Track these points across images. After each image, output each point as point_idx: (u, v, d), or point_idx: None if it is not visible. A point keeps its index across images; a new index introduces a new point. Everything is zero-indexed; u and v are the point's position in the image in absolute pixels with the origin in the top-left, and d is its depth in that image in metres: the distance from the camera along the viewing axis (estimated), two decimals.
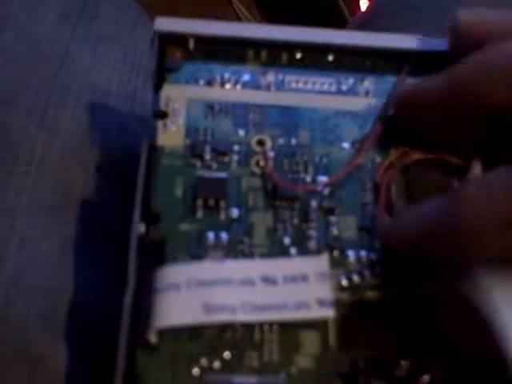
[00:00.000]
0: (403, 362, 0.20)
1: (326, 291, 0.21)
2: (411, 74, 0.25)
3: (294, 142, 0.24)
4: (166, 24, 0.25)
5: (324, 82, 0.25)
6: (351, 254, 0.22)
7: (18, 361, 0.23)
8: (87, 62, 0.31)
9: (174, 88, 0.24)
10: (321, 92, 0.25)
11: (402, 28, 0.28)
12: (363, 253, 0.22)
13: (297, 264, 0.21)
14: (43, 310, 0.24)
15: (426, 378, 0.20)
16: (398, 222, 0.22)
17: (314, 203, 0.23)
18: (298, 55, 0.26)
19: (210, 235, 0.22)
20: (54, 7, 0.32)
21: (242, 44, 0.25)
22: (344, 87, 0.25)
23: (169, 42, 0.25)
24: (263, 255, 0.22)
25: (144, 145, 0.23)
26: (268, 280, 0.21)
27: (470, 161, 0.23)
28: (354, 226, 0.23)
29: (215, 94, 0.25)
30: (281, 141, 0.24)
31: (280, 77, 0.25)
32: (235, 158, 0.23)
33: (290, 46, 0.25)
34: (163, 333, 0.20)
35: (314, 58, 0.26)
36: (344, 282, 0.22)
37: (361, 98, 0.25)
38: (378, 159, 0.24)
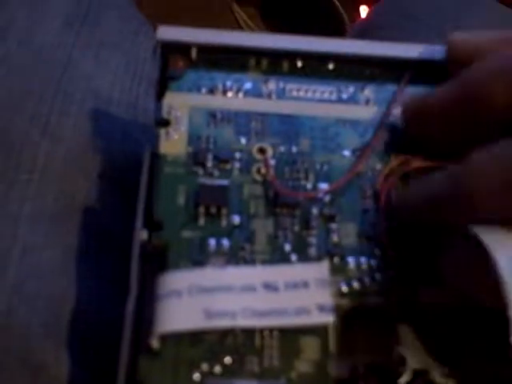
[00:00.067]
0: (403, 368, 0.20)
1: (326, 297, 0.21)
2: (411, 82, 0.25)
3: (294, 149, 0.24)
4: (169, 33, 0.25)
5: (325, 90, 0.25)
6: (351, 260, 0.22)
7: (20, 369, 0.23)
8: (90, 69, 0.31)
9: (177, 96, 0.25)
10: (321, 100, 0.25)
11: (401, 38, 0.28)
12: (363, 259, 0.22)
13: (298, 270, 0.22)
14: (45, 318, 0.24)
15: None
16: (407, 193, 0.23)
17: (314, 210, 0.23)
18: (299, 64, 0.26)
19: (212, 242, 0.22)
20: (57, 15, 0.32)
21: (243, 53, 0.26)
22: (344, 95, 0.26)
23: (171, 50, 0.25)
24: (264, 262, 0.22)
25: (146, 153, 0.23)
26: (269, 286, 0.21)
27: None
28: (355, 233, 0.23)
29: (217, 102, 0.25)
30: (282, 149, 0.24)
31: (281, 85, 0.25)
32: (237, 165, 0.24)
33: (291, 55, 0.26)
34: (165, 338, 0.20)
35: (314, 67, 0.26)
36: (344, 289, 0.22)
37: (361, 107, 0.25)
38: (379, 167, 0.24)
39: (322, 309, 0.21)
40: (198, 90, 0.25)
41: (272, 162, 0.24)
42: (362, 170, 0.24)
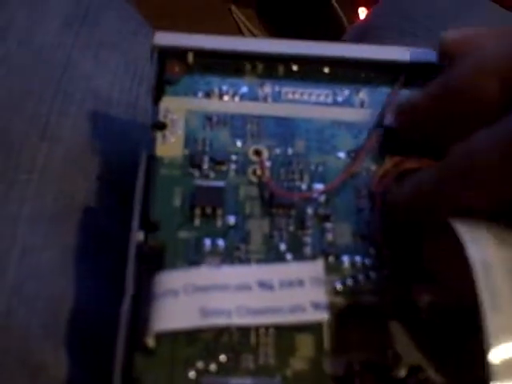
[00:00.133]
0: (399, 366, 0.21)
1: (320, 295, 0.21)
2: (405, 85, 0.26)
3: (290, 151, 0.24)
4: (166, 38, 0.25)
5: (320, 93, 0.26)
6: (346, 259, 0.22)
7: (19, 369, 0.23)
8: (90, 69, 0.31)
9: (173, 100, 0.25)
10: (317, 103, 0.26)
11: (399, 39, 0.28)
12: (358, 258, 0.22)
13: (293, 269, 0.22)
14: (45, 319, 0.24)
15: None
16: (399, 191, 0.23)
17: (309, 210, 0.23)
18: (295, 67, 0.26)
19: (207, 242, 0.22)
20: (57, 15, 0.33)
21: (239, 57, 0.26)
22: (340, 98, 0.26)
23: (168, 55, 0.25)
24: (259, 261, 0.22)
25: (143, 155, 0.24)
26: (264, 285, 0.21)
27: None
28: (349, 233, 0.23)
29: (213, 105, 0.25)
30: (277, 151, 0.24)
31: (277, 88, 0.26)
32: (233, 167, 0.24)
33: (286, 59, 0.26)
34: (161, 337, 0.20)
35: (310, 70, 0.26)
36: (339, 287, 0.22)
37: (356, 109, 0.26)
38: (373, 168, 0.24)
39: (316, 306, 0.21)
40: (195, 94, 0.25)
41: (267, 164, 0.24)
42: (357, 171, 0.24)
